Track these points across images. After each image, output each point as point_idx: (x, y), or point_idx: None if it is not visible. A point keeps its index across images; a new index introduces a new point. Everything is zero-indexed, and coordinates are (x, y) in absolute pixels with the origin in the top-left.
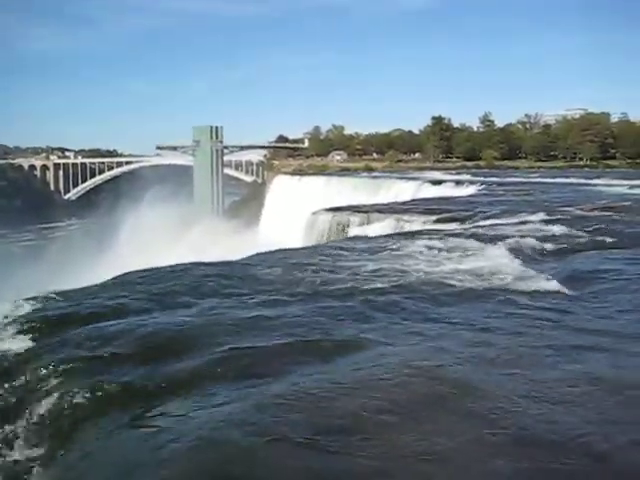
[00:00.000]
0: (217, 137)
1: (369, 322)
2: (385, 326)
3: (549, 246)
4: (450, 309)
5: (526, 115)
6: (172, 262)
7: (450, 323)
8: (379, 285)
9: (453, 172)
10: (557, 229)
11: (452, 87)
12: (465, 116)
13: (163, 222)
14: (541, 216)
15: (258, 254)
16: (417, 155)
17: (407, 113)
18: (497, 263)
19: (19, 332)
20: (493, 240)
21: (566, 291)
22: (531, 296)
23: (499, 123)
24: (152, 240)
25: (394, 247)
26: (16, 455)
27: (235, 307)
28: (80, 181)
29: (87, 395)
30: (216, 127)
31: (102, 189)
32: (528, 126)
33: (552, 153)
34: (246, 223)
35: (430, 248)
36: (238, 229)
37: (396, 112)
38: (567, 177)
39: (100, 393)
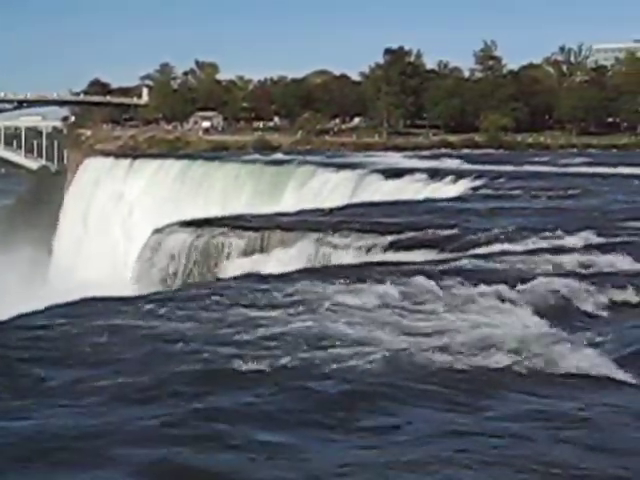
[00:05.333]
0: None
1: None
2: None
3: (600, 295)
4: (415, 410)
5: (562, 49)
6: None
7: (411, 435)
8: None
9: (426, 154)
10: (617, 262)
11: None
12: (447, 50)
13: None
14: (588, 238)
15: (47, 310)
16: (358, 121)
17: (337, 43)
18: (502, 327)
19: None
20: (496, 283)
21: (623, 377)
22: (562, 384)
23: (511, 63)
24: None
25: (311, 298)
26: None
27: None
28: None
29: None
30: None
31: None
32: (565, 69)
33: (610, 119)
34: (26, 250)
35: (381, 301)
36: (9, 263)
37: (316, 41)
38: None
39: None
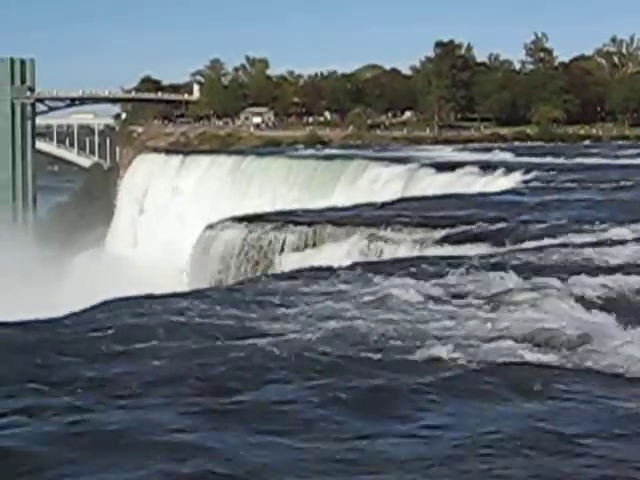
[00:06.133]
0: (24, 81)
1: None
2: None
3: None
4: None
5: (613, 41)
6: None
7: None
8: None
9: (477, 147)
10: None
11: None
12: (497, 43)
13: None
14: None
15: (94, 308)
16: (409, 115)
17: (387, 37)
18: (556, 321)
19: None
20: (550, 276)
21: None
22: (615, 381)
23: (562, 55)
24: None
25: (363, 292)
26: None
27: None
28: None
29: None
30: (22, 61)
31: None
32: (617, 60)
33: None
34: (80, 246)
35: (430, 295)
36: (64, 257)
37: (366, 35)
38: None
39: None
